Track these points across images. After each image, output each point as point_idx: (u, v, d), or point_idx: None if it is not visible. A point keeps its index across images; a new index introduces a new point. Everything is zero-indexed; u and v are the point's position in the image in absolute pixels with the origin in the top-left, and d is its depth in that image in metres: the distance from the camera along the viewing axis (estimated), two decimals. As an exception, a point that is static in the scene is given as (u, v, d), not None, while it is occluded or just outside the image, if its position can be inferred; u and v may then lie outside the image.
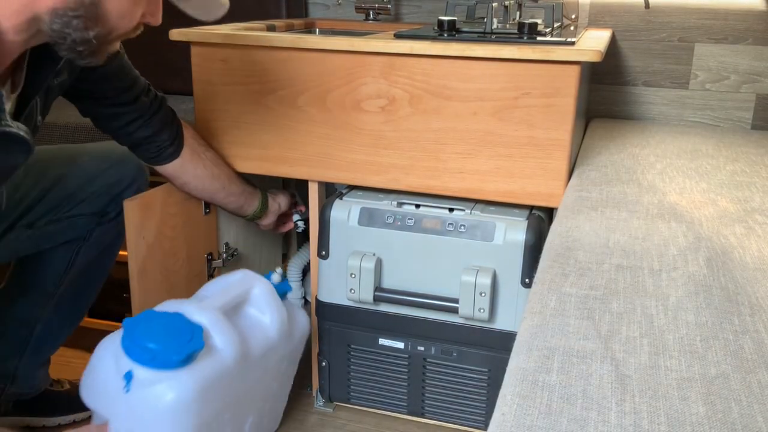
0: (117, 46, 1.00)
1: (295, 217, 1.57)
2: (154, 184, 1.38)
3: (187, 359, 1.04)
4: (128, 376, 1.04)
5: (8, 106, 0.97)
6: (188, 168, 1.33)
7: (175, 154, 1.30)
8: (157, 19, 0.97)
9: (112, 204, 1.33)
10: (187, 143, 1.32)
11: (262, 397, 1.30)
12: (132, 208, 1.28)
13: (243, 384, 1.18)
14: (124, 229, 1.28)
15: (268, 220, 1.50)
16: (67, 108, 1.24)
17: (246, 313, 1.23)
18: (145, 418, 1.03)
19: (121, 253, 1.48)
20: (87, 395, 1.09)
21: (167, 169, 1.32)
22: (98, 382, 1.08)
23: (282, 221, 1.57)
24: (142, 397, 1.03)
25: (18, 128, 0.94)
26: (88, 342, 1.72)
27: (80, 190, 1.31)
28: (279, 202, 1.51)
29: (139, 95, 1.24)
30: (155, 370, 1.03)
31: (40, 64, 0.97)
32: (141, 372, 1.03)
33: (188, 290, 1.43)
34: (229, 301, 1.17)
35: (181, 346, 1.03)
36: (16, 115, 1.00)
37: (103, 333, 1.74)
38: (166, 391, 1.03)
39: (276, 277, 1.39)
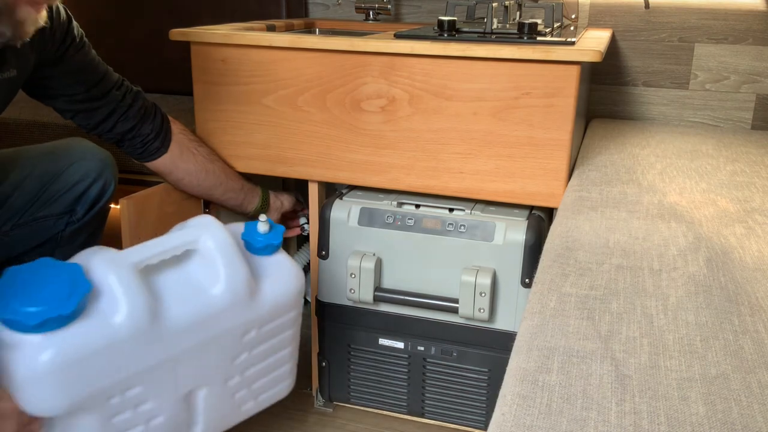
0: (36, 17, 0.95)
1: (302, 220, 1.57)
2: (150, 184, 1.38)
3: (44, 324, 0.85)
4: None
5: None
6: (178, 163, 1.33)
7: (162, 149, 1.30)
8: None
9: (79, 202, 1.28)
10: (175, 138, 1.31)
11: (219, 368, 1.09)
12: (127, 207, 1.27)
13: (163, 354, 0.97)
14: (100, 227, 1.26)
15: (271, 218, 1.49)
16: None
17: (186, 268, 1.02)
18: (10, 384, 0.87)
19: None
20: None
21: (157, 165, 1.32)
22: None
23: (287, 224, 1.56)
24: (4, 358, 0.86)
25: None
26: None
27: (43, 191, 1.26)
28: (282, 200, 1.51)
29: (110, 89, 1.23)
30: (16, 333, 0.86)
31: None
32: (4, 333, 0.86)
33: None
34: (158, 254, 0.97)
35: (47, 307, 0.85)
36: None
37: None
38: (23, 358, 0.85)
39: (262, 226, 1.11)
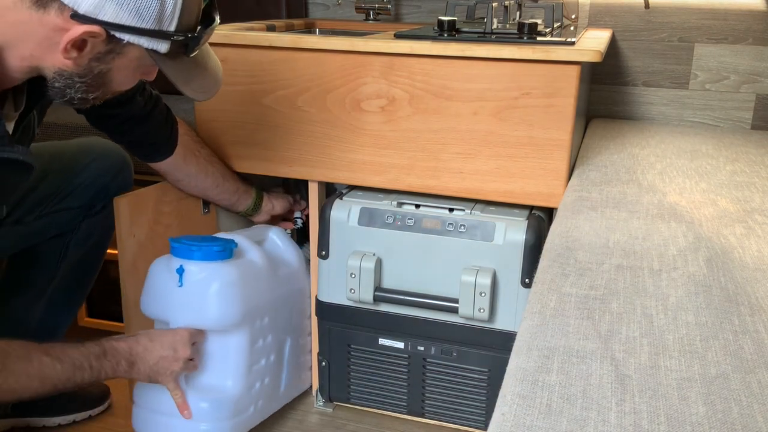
0: (128, 88, 1.04)
1: (296, 214, 1.58)
2: (147, 183, 1.38)
3: (226, 252, 1.26)
4: (180, 271, 1.23)
5: (10, 128, 0.99)
6: (181, 165, 1.33)
7: (169, 152, 1.31)
8: (151, 78, 1.01)
9: (98, 197, 1.33)
10: (181, 141, 1.32)
11: (290, 326, 1.47)
12: (122, 206, 1.28)
13: (272, 294, 1.38)
14: (114, 222, 1.28)
15: (261, 219, 1.51)
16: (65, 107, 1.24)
17: (267, 246, 1.45)
18: (197, 303, 1.24)
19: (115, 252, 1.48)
20: (147, 308, 1.29)
21: (161, 166, 1.32)
22: (155, 291, 1.28)
23: (278, 222, 1.57)
24: (193, 286, 1.24)
25: (19, 153, 0.95)
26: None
27: (65, 184, 1.31)
28: (273, 203, 1.51)
29: (135, 94, 1.24)
30: (201, 262, 1.24)
31: (39, 82, 0.98)
32: (190, 265, 1.23)
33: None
34: (252, 235, 1.41)
35: (220, 245, 1.26)
36: (15, 129, 1.02)
37: (103, 333, 1.74)
38: (212, 277, 1.24)
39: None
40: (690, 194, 1.15)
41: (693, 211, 1.06)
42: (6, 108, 0.98)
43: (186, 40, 0.92)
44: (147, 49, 0.91)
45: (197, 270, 1.24)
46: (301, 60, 1.32)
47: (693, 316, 0.75)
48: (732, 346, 0.70)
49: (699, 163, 1.35)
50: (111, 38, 0.88)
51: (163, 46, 0.91)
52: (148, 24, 0.88)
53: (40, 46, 0.88)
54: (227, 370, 1.30)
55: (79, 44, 0.88)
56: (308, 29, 1.82)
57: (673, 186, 1.19)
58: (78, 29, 0.86)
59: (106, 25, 0.86)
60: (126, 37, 0.88)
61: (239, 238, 1.33)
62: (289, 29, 1.71)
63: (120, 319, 1.72)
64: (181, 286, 1.23)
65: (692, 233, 0.97)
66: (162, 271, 1.27)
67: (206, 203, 1.49)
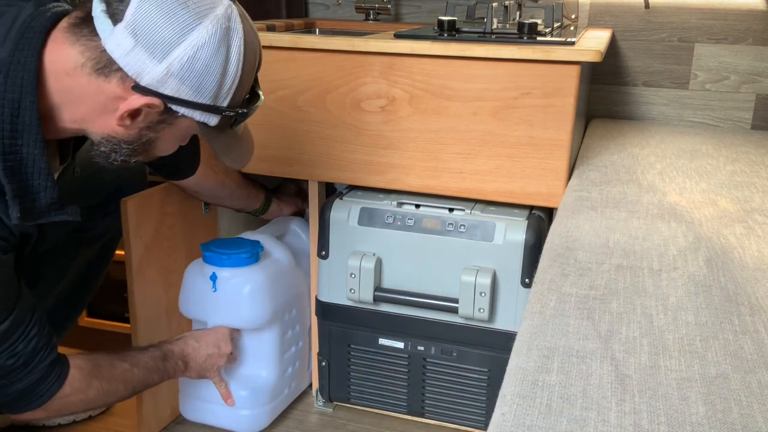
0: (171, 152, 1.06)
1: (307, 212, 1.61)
2: (151, 184, 1.38)
3: (253, 257, 1.36)
4: (213, 278, 1.34)
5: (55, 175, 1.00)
6: (201, 181, 1.34)
7: (192, 172, 1.31)
8: (185, 142, 1.04)
9: (112, 197, 1.33)
10: (203, 158, 1.32)
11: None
12: (130, 207, 1.28)
13: (297, 287, 1.48)
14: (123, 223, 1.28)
15: (268, 218, 1.55)
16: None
17: (289, 239, 1.55)
18: (231, 307, 1.35)
19: (120, 252, 1.48)
20: (185, 310, 1.41)
21: (181, 182, 1.33)
22: (191, 295, 1.38)
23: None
24: (226, 291, 1.34)
25: (69, 214, 0.97)
26: (88, 342, 1.72)
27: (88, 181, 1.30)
28: (282, 207, 1.55)
29: None
30: (232, 269, 1.34)
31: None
32: (222, 272, 1.34)
33: (188, 289, 1.43)
34: (275, 230, 1.51)
35: (247, 251, 1.35)
36: (58, 179, 1.03)
37: (104, 333, 1.75)
38: (243, 282, 1.34)
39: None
40: (690, 194, 1.15)
41: (693, 211, 1.06)
42: (51, 161, 0.98)
43: (236, 115, 0.94)
44: (197, 122, 0.92)
45: (229, 276, 1.34)
46: (301, 60, 1.32)
47: (693, 316, 0.75)
48: (732, 346, 0.70)
49: (699, 163, 1.35)
50: (167, 110, 0.89)
51: (213, 120, 0.92)
52: (205, 99, 0.89)
53: (93, 110, 0.90)
54: (262, 361, 1.43)
55: (133, 113, 0.89)
56: (308, 29, 1.82)
57: (673, 186, 1.19)
58: (138, 100, 0.87)
59: (166, 98, 0.87)
60: (182, 110, 0.90)
61: (264, 237, 1.43)
62: (289, 29, 1.71)
63: (120, 319, 1.73)
64: (215, 291, 1.34)
65: (692, 233, 0.97)
66: (196, 276, 1.37)
67: (206, 204, 1.49)
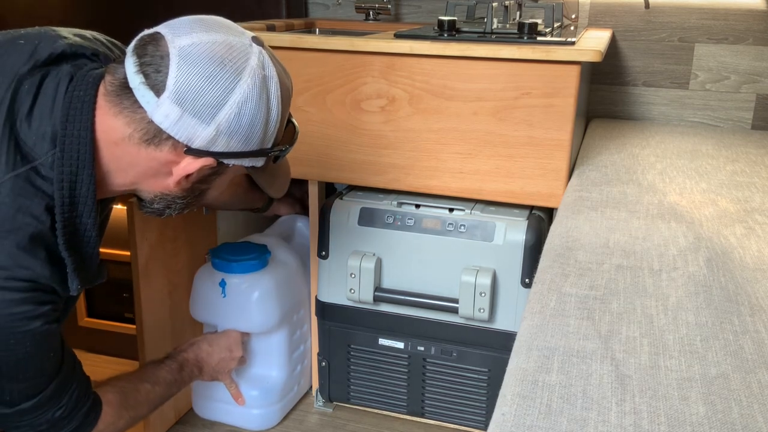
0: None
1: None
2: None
3: (261, 263, 1.38)
4: (222, 284, 1.37)
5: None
6: (218, 196, 1.34)
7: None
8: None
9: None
10: None
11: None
12: (136, 208, 1.28)
13: (305, 288, 1.51)
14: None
15: (267, 215, 1.55)
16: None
17: (296, 239, 1.58)
18: (240, 312, 1.38)
19: (123, 253, 1.48)
20: (196, 314, 1.43)
21: None
22: (202, 300, 1.41)
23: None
24: (235, 297, 1.37)
25: (103, 276, 0.98)
26: (89, 341, 1.72)
27: None
28: (280, 207, 1.55)
29: None
30: (241, 275, 1.37)
31: None
32: (231, 278, 1.37)
33: (190, 290, 1.43)
34: (281, 231, 1.55)
35: (255, 256, 1.37)
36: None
37: (104, 333, 1.75)
38: (252, 288, 1.37)
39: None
40: (690, 194, 1.15)
41: (693, 211, 1.06)
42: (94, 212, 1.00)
43: (279, 152, 0.95)
44: (246, 167, 0.93)
45: (238, 282, 1.37)
46: (301, 60, 1.32)
47: (693, 316, 0.75)
48: (732, 346, 0.70)
49: (699, 163, 1.35)
50: (219, 163, 0.90)
51: (261, 162, 0.94)
52: (253, 146, 0.90)
53: (145, 174, 0.90)
54: (272, 361, 1.47)
55: (188, 174, 0.90)
56: (308, 29, 1.82)
57: (673, 186, 1.19)
58: (194, 164, 0.88)
59: (218, 155, 0.88)
60: (233, 162, 0.91)
61: (271, 240, 1.46)
62: (289, 29, 1.71)
63: (120, 319, 1.73)
64: (224, 297, 1.37)
65: (692, 233, 0.97)
66: (206, 281, 1.40)
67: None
